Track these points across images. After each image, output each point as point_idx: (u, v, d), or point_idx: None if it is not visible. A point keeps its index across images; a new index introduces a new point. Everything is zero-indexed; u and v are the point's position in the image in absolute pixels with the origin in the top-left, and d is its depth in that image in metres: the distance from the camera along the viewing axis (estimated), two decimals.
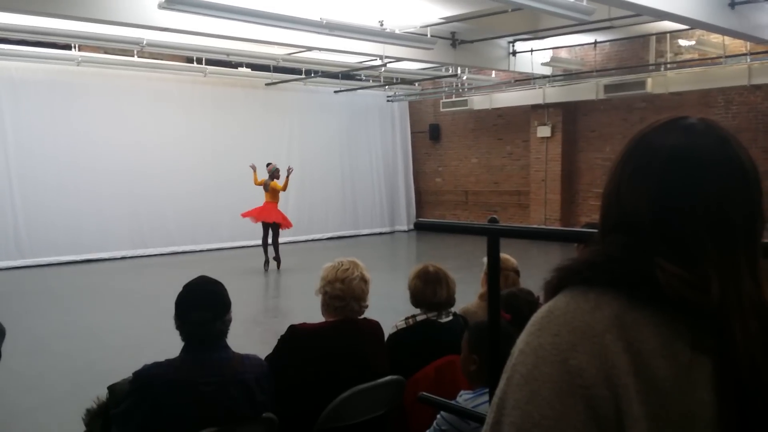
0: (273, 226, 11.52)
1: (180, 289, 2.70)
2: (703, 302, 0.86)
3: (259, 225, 11.69)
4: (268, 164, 11.86)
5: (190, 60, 13.57)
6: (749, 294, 0.89)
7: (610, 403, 0.84)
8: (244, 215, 11.74)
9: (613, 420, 0.84)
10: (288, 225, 11.79)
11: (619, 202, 0.98)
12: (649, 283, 0.87)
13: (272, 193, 11.56)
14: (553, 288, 0.95)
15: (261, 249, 11.74)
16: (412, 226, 17.36)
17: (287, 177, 11.61)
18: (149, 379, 2.56)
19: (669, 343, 0.85)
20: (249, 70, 14.39)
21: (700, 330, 0.86)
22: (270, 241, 11.58)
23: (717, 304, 0.87)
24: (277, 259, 11.59)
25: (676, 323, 0.86)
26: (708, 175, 0.92)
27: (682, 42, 12.23)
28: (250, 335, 6.29)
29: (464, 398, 2.49)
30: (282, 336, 2.98)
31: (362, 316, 3.10)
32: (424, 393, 2.26)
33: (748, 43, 10.92)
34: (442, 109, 16.77)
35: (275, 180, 11.59)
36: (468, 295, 4.10)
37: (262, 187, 11.62)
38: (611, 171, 1.01)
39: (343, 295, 2.97)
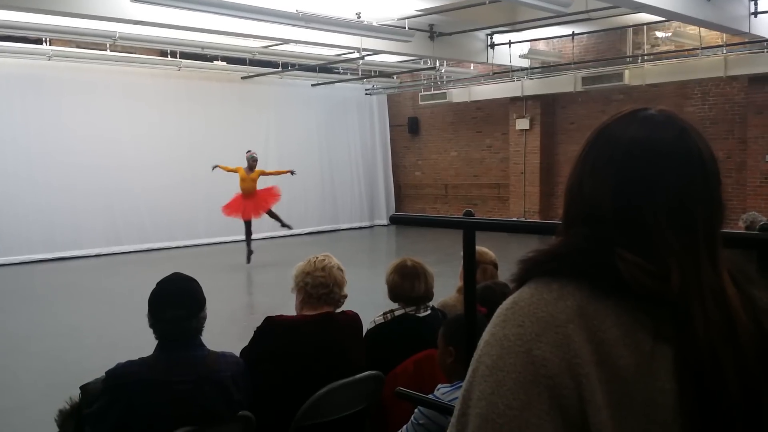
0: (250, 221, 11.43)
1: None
2: (664, 291, 0.88)
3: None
4: (247, 151, 11.69)
5: (164, 54, 13.42)
6: (709, 282, 0.91)
7: (573, 392, 0.85)
8: (225, 211, 11.57)
9: (576, 409, 0.85)
10: (271, 198, 11.58)
11: (581, 194, 0.99)
12: (611, 274, 0.89)
13: (248, 184, 11.35)
14: (518, 280, 0.96)
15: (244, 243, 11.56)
16: None
17: (281, 173, 11.72)
18: (122, 379, 2.51)
19: (631, 332, 0.87)
20: (224, 63, 14.27)
21: (662, 319, 0.88)
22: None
23: (677, 293, 0.88)
24: (280, 221, 11.57)
25: (637, 313, 0.88)
26: (667, 166, 0.94)
27: (659, 34, 12.33)
28: (227, 332, 6.22)
29: (442, 391, 2.48)
30: (258, 327, 2.93)
31: (340, 309, 3.07)
32: (401, 388, 2.24)
33: (725, 35, 11.02)
34: (420, 102, 16.75)
35: (252, 169, 11.40)
36: (447, 288, 4.08)
37: (237, 173, 11.42)
38: (574, 163, 1.02)
39: (326, 281, 2.96)
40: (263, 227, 14.61)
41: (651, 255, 0.91)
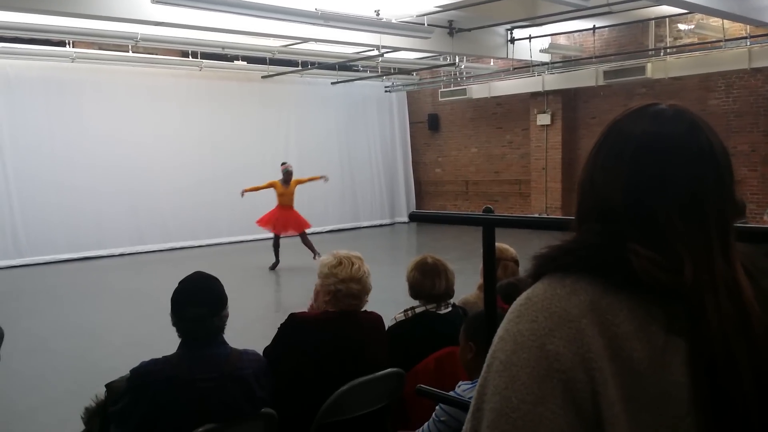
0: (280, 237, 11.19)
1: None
2: (677, 284, 0.88)
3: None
4: (282, 163, 11.53)
5: (185, 54, 13.51)
6: (722, 275, 0.91)
7: (586, 387, 0.85)
8: (259, 224, 11.36)
9: (590, 403, 0.85)
10: (305, 225, 11.34)
11: (593, 189, 1.00)
12: (623, 268, 0.89)
13: (287, 198, 11.15)
14: (532, 275, 0.97)
15: (272, 249, 11.27)
16: None
17: (314, 179, 11.53)
18: (146, 377, 2.54)
19: (644, 326, 0.87)
20: (245, 63, 14.32)
21: (675, 312, 0.88)
22: (299, 240, 11.25)
23: (690, 286, 0.88)
24: (312, 249, 11.10)
25: (650, 306, 0.88)
26: (678, 160, 0.94)
27: (682, 26, 12.15)
28: (250, 330, 6.26)
29: (462, 388, 2.48)
30: (282, 324, 2.95)
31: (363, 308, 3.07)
32: (422, 386, 2.24)
33: (748, 26, 10.85)
34: (440, 99, 16.69)
35: (288, 182, 11.18)
36: (468, 286, 4.07)
37: (273, 188, 11.18)
38: (586, 160, 1.03)
39: (359, 293, 2.97)
40: None
41: (663, 249, 0.91)
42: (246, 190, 11.34)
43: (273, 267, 11.17)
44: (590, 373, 0.85)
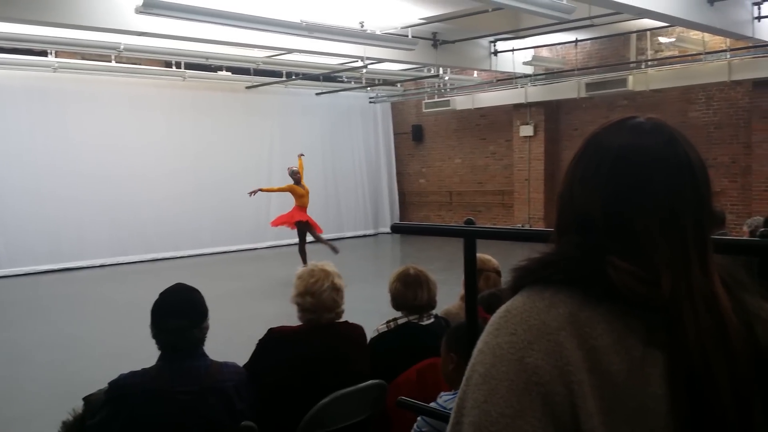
0: (305, 225, 11.25)
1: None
2: (655, 297, 0.89)
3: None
4: (288, 168, 11.62)
5: (168, 64, 13.46)
6: (700, 288, 0.91)
7: (565, 400, 0.85)
8: (274, 224, 11.51)
9: (569, 415, 0.85)
10: (317, 227, 11.44)
11: (572, 202, 1.00)
12: (602, 281, 0.89)
13: (300, 199, 11.27)
14: (511, 288, 0.97)
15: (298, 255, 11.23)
16: None
17: (299, 166, 11.44)
18: (124, 390, 2.52)
19: (622, 338, 0.87)
20: (229, 73, 14.30)
21: (653, 325, 0.88)
22: (310, 239, 11.28)
23: (668, 298, 0.89)
24: (331, 246, 11.16)
25: (629, 319, 0.88)
26: (656, 173, 0.95)
27: (663, 39, 12.31)
28: (231, 342, 6.20)
29: (444, 399, 2.47)
30: (261, 339, 2.93)
31: (343, 320, 3.06)
32: (403, 398, 2.24)
33: (728, 40, 11.00)
34: (424, 110, 16.76)
35: (298, 184, 11.28)
36: (451, 296, 4.07)
37: (289, 192, 11.33)
38: (565, 172, 1.03)
39: (314, 308, 2.95)
40: (269, 235, 14.64)
41: (641, 261, 0.91)
42: (261, 190, 11.42)
43: (334, 249, 11.05)
44: (569, 386, 0.85)
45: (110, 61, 12.35)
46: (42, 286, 11.33)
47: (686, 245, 0.93)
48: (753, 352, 0.90)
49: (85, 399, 2.77)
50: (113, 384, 2.55)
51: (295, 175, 11.34)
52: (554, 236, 1.02)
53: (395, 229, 2.37)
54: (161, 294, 2.68)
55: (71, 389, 5.04)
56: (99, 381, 2.88)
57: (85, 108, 12.82)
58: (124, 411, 2.48)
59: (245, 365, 2.91)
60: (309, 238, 11.39)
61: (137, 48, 10.98)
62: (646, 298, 0.88)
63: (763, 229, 1.38)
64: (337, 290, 3.00)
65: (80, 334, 7.86)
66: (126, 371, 2.58)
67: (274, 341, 2.90)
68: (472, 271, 1.81)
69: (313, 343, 2.90)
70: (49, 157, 12.39)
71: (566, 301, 0.90)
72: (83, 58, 12.64)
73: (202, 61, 12.39)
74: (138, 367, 2.59)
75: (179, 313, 2.59)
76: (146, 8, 7.65)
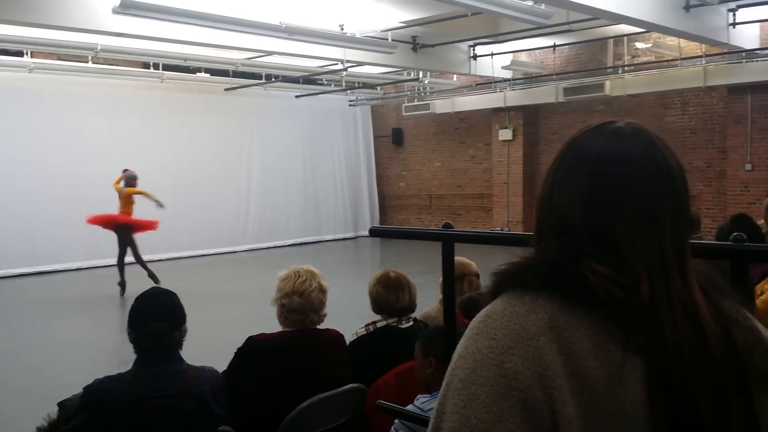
0: (124, 234, 10.39)
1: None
2: (633, 301, 0.89)
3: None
4: (124, 170, 10.79)
5: (146, 65, 13.35)
6: (678, 293, 0.92)
7: (545, 405, 0.85)
8: (89, 221, 10.71)
9: (548, 421, 0.85)
10: (148, 226, 10.49)
11: (552, 206, 1.00)
12: (581, 286, 0.89)
13: (124, 202, 10.45)
14: (492, 292, 0.97)
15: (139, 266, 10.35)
16: None
17: (153, 199, 10.45)
18: (100, 395, 2.48)
19: (601, 343, 0.87)
20: (207, 75, 14.20)
21: (632, 330, 0.88)
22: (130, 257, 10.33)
23: (647, 303, 0.89)
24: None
25: (608, 324, 0.88)
26: (635, 178, 0.95)
27: (639, 45, 12.45)
28: (208, 347, 6.16)
29: (421, 401, 2.47)
30: (239, 348, 2.90)
31: (322, 325, 3.04)
32: (381, 401, 2.24)
33: (704, 46, 11.14)
34: (404, 113, 16.78)
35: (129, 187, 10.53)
36: (432, 299, 4.08)
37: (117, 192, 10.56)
38: (545, 176, 1.03)
39: (302, 308, 2.92)
40: (247, 239, 14.56)
41: (620, 266, 0.91)
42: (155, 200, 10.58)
43: (122, 291, 10.18)
44: (548, 391, 0.85)
45: (87, 62, 12.21)
46: (17, 289, 11.15)
47: (665, 250, 0.93)
48: (730, 357, 0.91)
49: (59, 404, 2.73)
50: (88, 389, 2.51)
51: (131, 181, 10.54)
52: (534, 240, 1.02)
53: (374, 232, 2.36)
54: (139, 297, 2.65)
55: (46, 394, 4.98)
56: (74, 385, 2.84)
57: (61, 109, 12.65)
58: (99, 417, 2.45)
59: (223, 372, 2.88)
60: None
61: (114, 49, 10.87)
62: (625, 302, 0.88)
63: (736, 234, 1.40)
64: (323, 291, 2.99)
65: (56, 338, 7.75)
66: (101, 376, 2.54)
67: (252, 352, 2.87)
68: (450, 274, 1.82)
69: (292, 350, 2.88)
70: (24, 159, 12.20)
71: (546, 305, 0.90)
72: (59, 59, 12.51)
73: (181, 62, 12.30)
74: (113, 372, 2.55)
75: (159, 317, 2.56)
76: (123, 9, 7.56)
